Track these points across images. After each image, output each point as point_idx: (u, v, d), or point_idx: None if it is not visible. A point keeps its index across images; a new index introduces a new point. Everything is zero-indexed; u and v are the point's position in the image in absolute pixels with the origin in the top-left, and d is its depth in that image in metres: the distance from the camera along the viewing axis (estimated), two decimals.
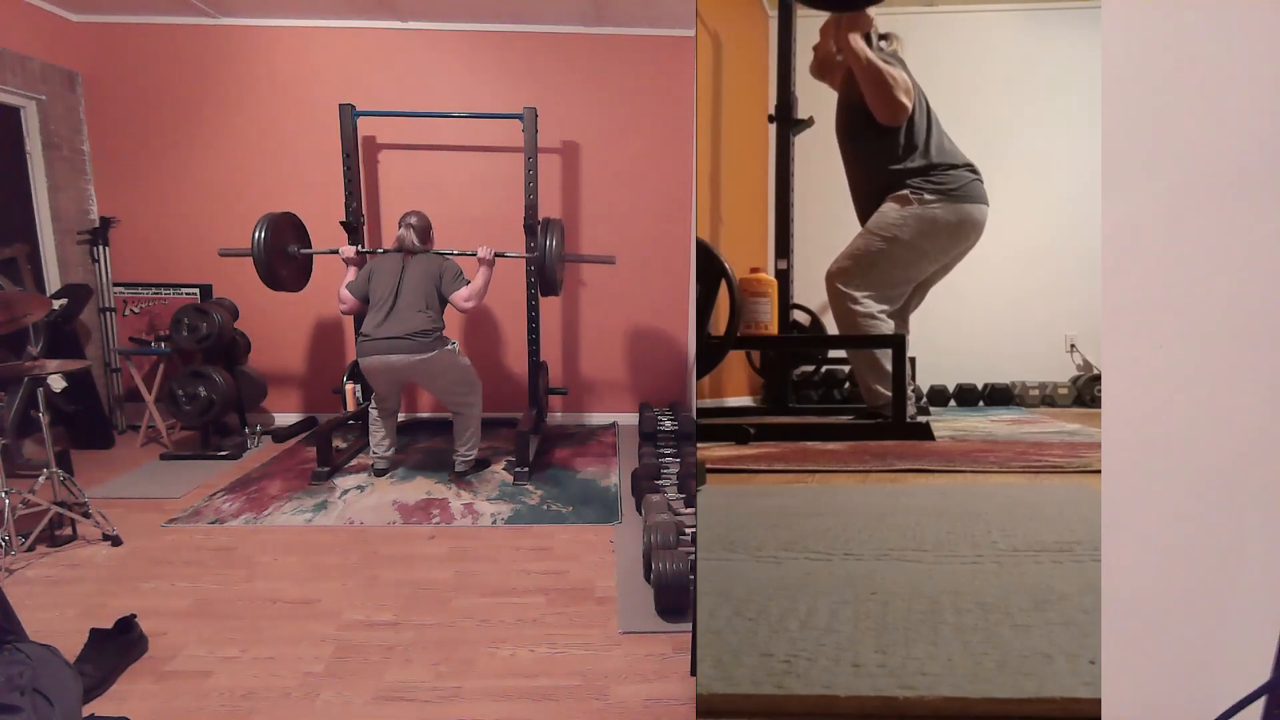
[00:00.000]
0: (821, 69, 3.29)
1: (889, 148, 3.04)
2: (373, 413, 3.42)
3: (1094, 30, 4.21)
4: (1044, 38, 4.28)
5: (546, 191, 4.26)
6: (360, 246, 3.46)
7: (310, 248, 3.63)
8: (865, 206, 3.18)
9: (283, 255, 3.42)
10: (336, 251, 3.42)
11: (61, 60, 3.90)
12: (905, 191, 3.01)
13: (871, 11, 3.02)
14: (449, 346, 3.20)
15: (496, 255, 3.28)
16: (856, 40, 2.95)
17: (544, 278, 3.39)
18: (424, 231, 3.28)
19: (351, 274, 3.32)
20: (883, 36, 3.14)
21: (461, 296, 3.15)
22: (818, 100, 3.61)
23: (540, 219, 3.51)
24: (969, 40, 4.33)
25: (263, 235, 3.27)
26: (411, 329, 3.08)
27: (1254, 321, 1.04)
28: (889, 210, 3.03)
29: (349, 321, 4.22)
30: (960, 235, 3.04)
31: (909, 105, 2.97)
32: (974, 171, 3.06)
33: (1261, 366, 1.04)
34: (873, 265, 3.02)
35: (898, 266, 3.03)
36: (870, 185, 3.13)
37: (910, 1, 4.32)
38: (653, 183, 4.33)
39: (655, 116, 4.25)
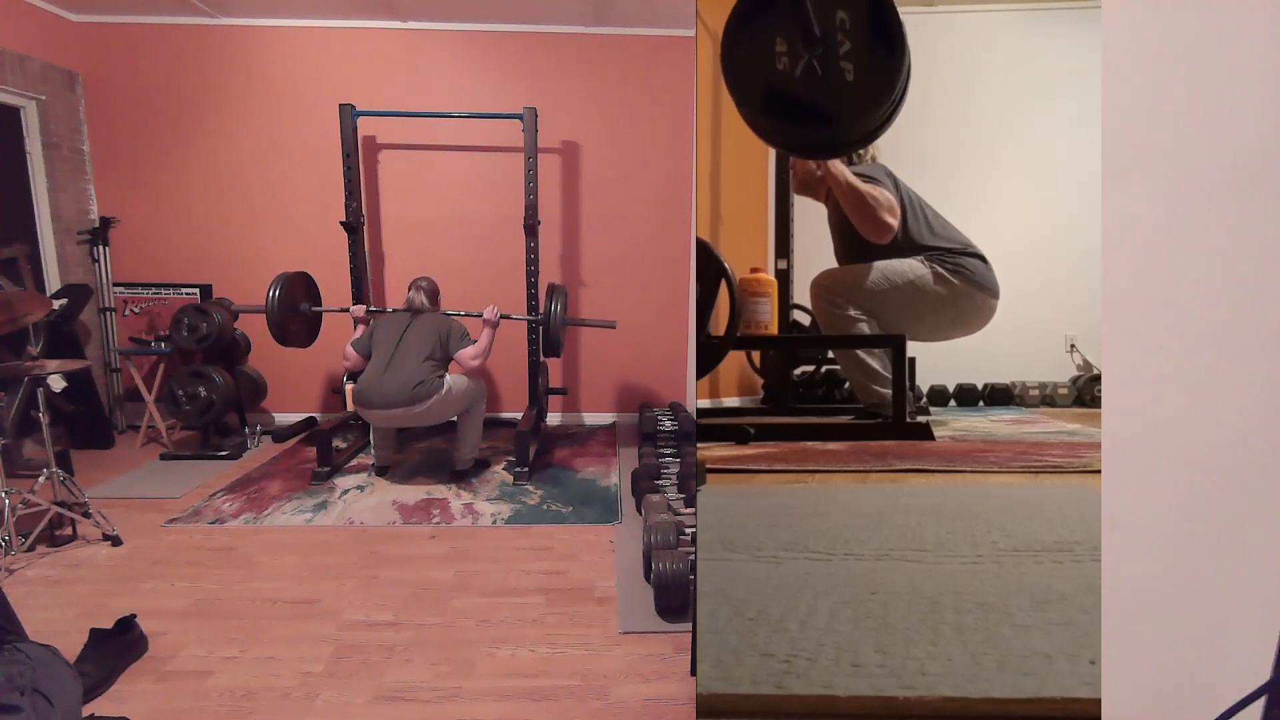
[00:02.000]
0: (803, 186, 3.25)
1: (888, 253, 3.01)
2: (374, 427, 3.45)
3: (1094, 30, 4.21)
4: (1044, 38, 4.27)
5: (546, 191, 4.26)
6: (369, 305, 3.58)
7: (320, 305, 3.70)
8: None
9: (294, 312, 3.51)
10: (347, 310, 3.54)
11: (61, 60, 3.91)
12: (923, 258, 2.98)
13: None
14: (444, 389, 3.19)
15: (502, 317, 3.36)
16: (836, 165, 2.92)
17: (548, 340, 3.47)
18: (433, 295, 3.40)
19: (359, 331, 3.39)
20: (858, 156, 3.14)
21: (468, 355, 3.22)
22: None
23: (545, 285, 3.60)
24: (969, 40, 4.33)
25: (277, 294, 3.37)
26: (410, 380, 3.10)
27: (1254, 321, 1.04)
28: (906, 263, 2.97)
29: (349, 321, 4.22)
30: (962, 322, 3.02)
31: (894, 225, 2.94)
32: (983, 259, 3.03)
33: (1261, 366, 1.04)
34: (867, 294, 2.98)
35: (889, 311, 3.00)
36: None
37: (910, 1, 4.32)
38: (653, 183, 4.33)
39: (655, 116, 4.25)
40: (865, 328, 3.00)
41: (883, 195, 2.93)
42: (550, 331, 3.42)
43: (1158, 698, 1.13)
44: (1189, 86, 1.03)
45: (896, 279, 2.97)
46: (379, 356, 3.21)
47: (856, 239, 3.06)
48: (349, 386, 3.93)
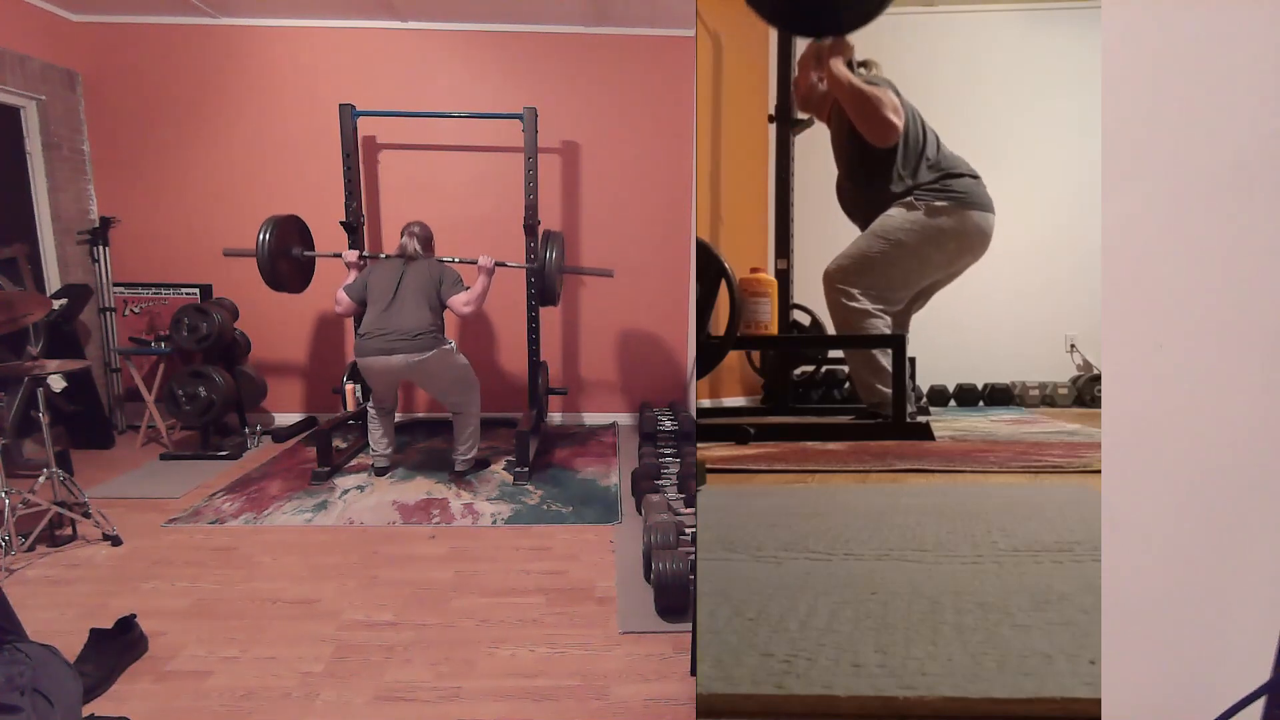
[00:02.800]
0: (805, 103, 3.25)
1: (886, 171, 3.00)
2: (371, 412, 3.43)
3: (1094, 30, 4.20)
4: (1044, 38, 4.27)
5: (546, 191, 4.26)
6: (363, 251, 3.50)
7: (313, 250, 3.65)
8: (867, 221, 3.15)
9: (286, 257, 3.45)
10: (339, 255, 3.46)
11: (61, 60, 3.91)
12: (911, 198, 2.98)
13: (853, 38, 2.99)
14: (446, 346, 3.22)
15: (497, 264, 3.31)
16: (838, 66, 2.92)
17: (543, 288, 3.45)
18: (426, 240, 3.32)
19: (351, 276, 3.35)
20: (862, 64, 3.13)
21: (460, 301, 3.18)
22: None
23: (541, 231, 3.55)
24: (969, 40, 4.33)
25: (267, 237, 3.31)
26: (410, 328, 3.10)
27: (1254, 321, 1.04)
28: (895, 214, 2.99)
29: (349, 321, 4.22)
30: (967, 246, 3.00)
31: (899, 124, 2.93)
32: (972, 176, 3.02)
33: (1261, 366, 1.04)
34: (872, 267, 2.99)
35: (898, 271, 3.00)
36: (872, 208, 3.08)
37: (910, 1, 4.32)
38: (653, 183, 4.33)
39: (655, 116, 4.25)
40: (879, 324, 2.99)
41: (886, 96, 2.92)
42: (545, 278, 3.38)
43: (1158, 698, 1.13)
44: (1189, 86, 1.03)
45: (895, 233, 2.96)
46: (376, 304, 3.16)
47: (860, 157, 3.03)
48: (349, 386, 3.93)
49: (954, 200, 2.95)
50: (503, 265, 3.40)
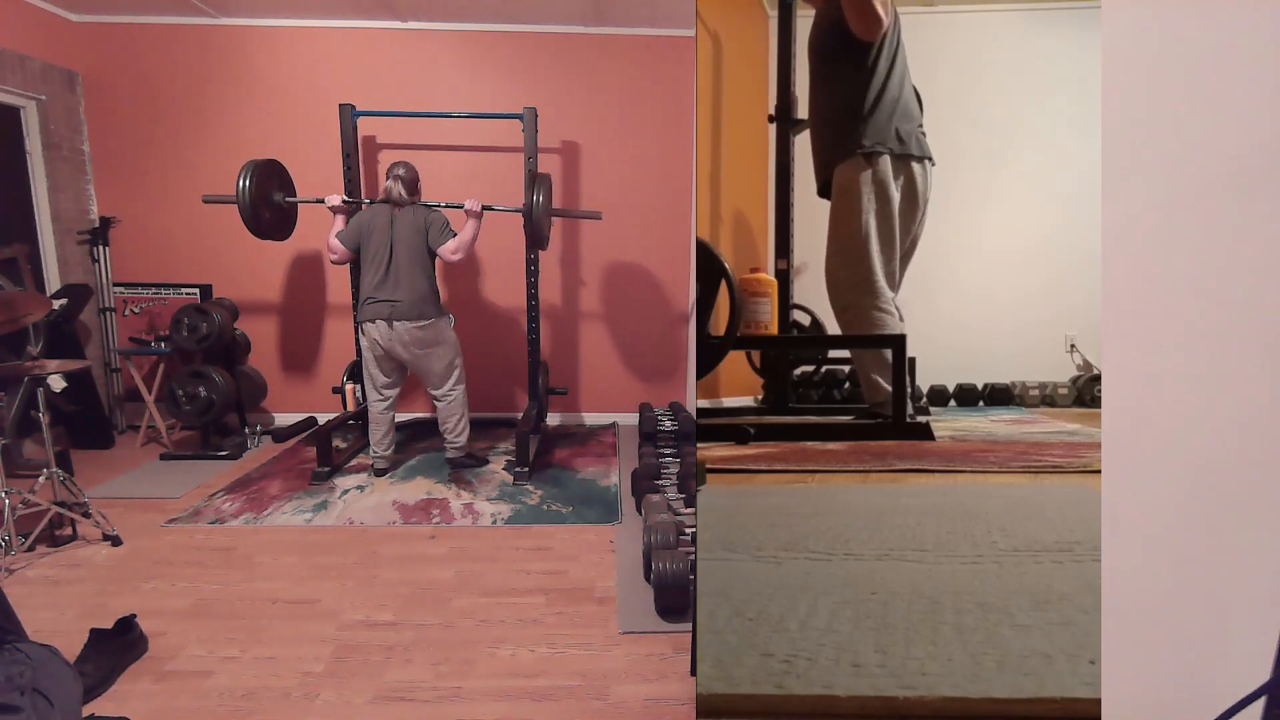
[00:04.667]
0: None
1: (856, 79, 2.97)
2: (372, 410, 3.41)
3: (1094, 30, 4.21)
4: (1044, 38, 4.27)
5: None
6: (345, 197, 3.45)
7: (295, 196, 3.58)
8: (821, 150, 3.15)
9: (268, 203, 3.40)
10: (322, 201, 3.38)
11: (61, 60, 3.90)
12: (859, 156, 2.97)
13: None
14: (446, 318, 3.28)
15: (485, 208, 3.27)
16: None
17: (532, 231, 3.37)
18: (412, 183, 3.25)
19: (339, 223, 3.29)
20: None
21: (449, 249, 3.16)
22: None
23: (528, 172, 3.49)
24: (969, 40, 4.33)
25: (247, 183, 3.25)
26: (413, 294, 3.13)
27: (1254, 321, 1.03)
28: (864, 174, 2.97)
29: (349, 321, 4.22)
30: (914, 200, 3.02)
31: (885, 19, 2.91)
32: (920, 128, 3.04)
33: (1262, 366, 1.04)
34: (862, 245, 2.97)
35: (886, 227, 2.99)
36: (834, 119, 3.08)
37: (910, 1, 4.32)
38: (653, 183, 4.33)
39: (655, 116, 4.25)
40: (885, 318, 2.98)
41: None
42: (533, 222, 3.31)
43: (1158, 698, 1.13)
44: (1189, 86, 1.03)
45: (868, 195, 2.94)
46: (372, 266, 3.15)
47: (835, 40, 3.00)
48: (349, 386, 3.94)
49: (895, 155, 2.95)
50: (490, 209, 3.35)
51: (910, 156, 2.98)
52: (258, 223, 3.34)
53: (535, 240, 3.44)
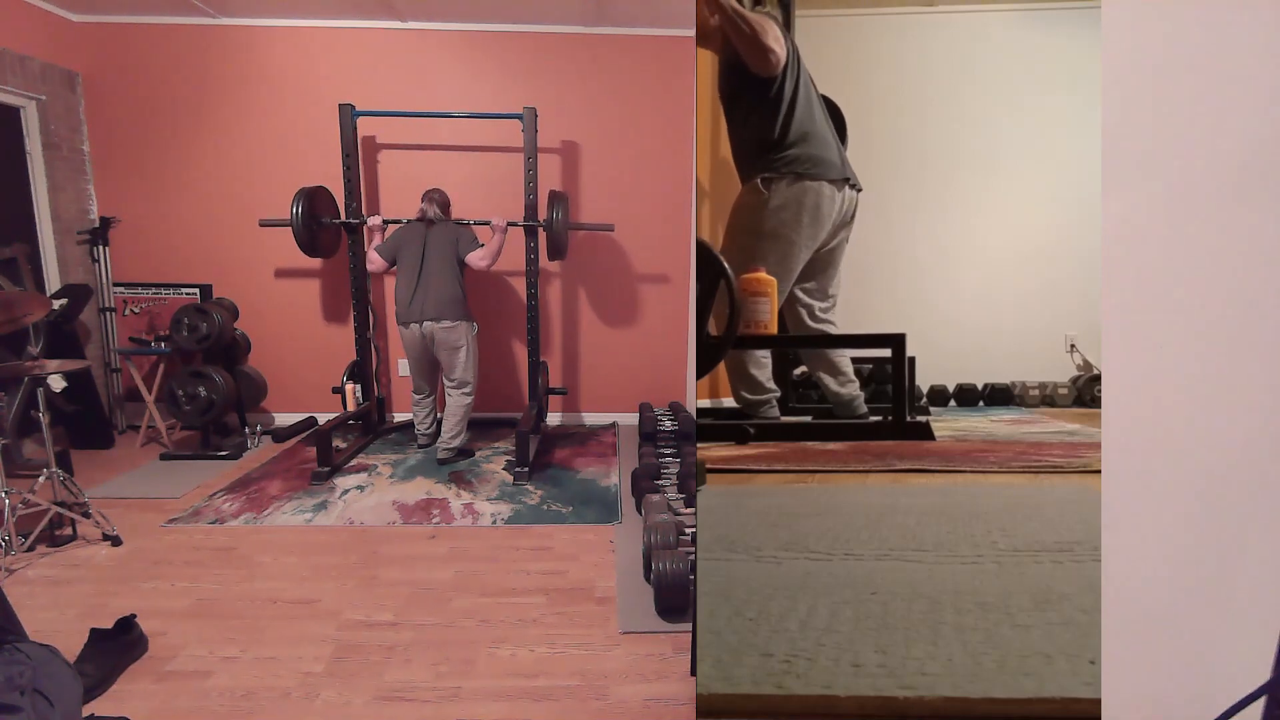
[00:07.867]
0: (703, 35, 3.32)
1: (763, 112, 3.08)
2: (415, 396, 3.86)
3: (1094, 30, 4.20)
4: (1043, 37, 4.27)
5: (546, 191, 4.25)
6: (384, 218, 3.84)
7: (340, 218, 3.96)
8: (742, 167, 3.27)
9: (318, 224, 3.80)
10: (365, 221, 3.80)
11: (61, 60, 3.90)
12: (756, 181, 3.10)
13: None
14: (470, 323, 3.61)
15: (510, 224, 3.69)
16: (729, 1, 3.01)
17: (552, 243, 3.81)
18: (445, 205, 3.66)
19: (378, 238, 3.70)
20: (757, 1, 3.19)
21: (477, 257, 3.53)
22: None
23: (548, 191, 3.88)
24: (968, 40, 4.33)
25: (301, 208, 3.66)
26: (443, 297, 3.48)
27: (1253, 321, 1.04)
28: (766, 201, 3.09)
29: (349, 321, 4.23)
30: (817, 219, 3.10)
31: (780, 53, 3.00)
32: (837, 152, 3.14)
33: (1261, 366, 1.04)
34: (762, 258, 3.11)
35: (773, 257, 3.11)
36: (745, 150, 3.20)
37: (910, 1, 4.32)
38: (653, 183, 4.32)
39: (655, 116, 4.25)
40: (830, 317, 3.11)
41: (769, 25, 3.00)
42: (553, 235, 3.75)
43: (1158, 698, 1.13)
44: (1189, 86, 1.03)
45: (776, 222, 3.07)
46: (406, 271, 3.53)
47: (738, 79, 3.10)
48: (349, 386, 3.94)
49: (796, 175, 3.07)
50: (515, 225, 3.80)
51: (823, 178, 3.10)
52: (314, 244, 3.77)
53: (556, 252, 3.85)
